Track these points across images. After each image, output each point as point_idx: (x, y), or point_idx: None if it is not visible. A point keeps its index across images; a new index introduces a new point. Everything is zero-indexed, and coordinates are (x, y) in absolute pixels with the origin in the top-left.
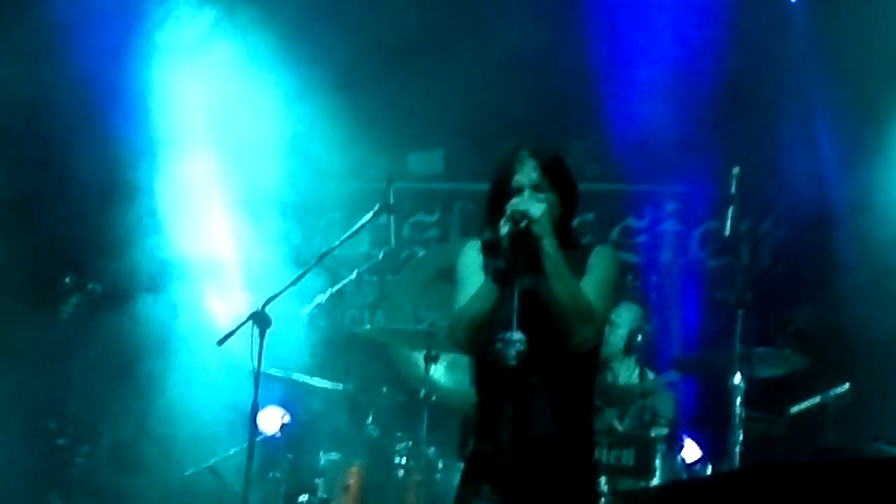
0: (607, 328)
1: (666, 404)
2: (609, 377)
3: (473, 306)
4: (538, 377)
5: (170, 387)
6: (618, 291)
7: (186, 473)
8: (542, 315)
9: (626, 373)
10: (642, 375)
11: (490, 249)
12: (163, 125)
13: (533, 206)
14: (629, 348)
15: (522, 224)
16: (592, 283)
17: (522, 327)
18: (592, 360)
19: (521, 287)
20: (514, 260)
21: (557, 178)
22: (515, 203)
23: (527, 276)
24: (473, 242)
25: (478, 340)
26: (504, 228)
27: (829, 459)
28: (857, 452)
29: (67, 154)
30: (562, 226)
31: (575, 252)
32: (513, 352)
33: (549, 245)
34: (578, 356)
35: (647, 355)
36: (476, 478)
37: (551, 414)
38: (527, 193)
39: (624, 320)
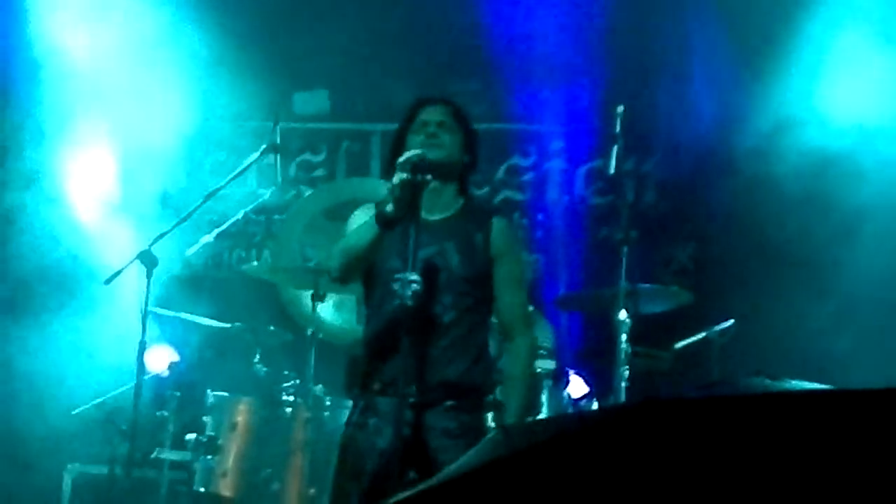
0: None
1: (544, 335)
2: None
3: (350, 239)
4: (433, 317)
5: (57, 325)
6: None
7: (74, 412)
8: (437, 259)
9: None
10: None
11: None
12: (43, 58)
13: (430, 151)
14: None
15: (421, 177)
16: (515, 294)
17: (419, 270)
18: (484, 303)
19: (416, 233)
20: (401, 209)
21: (463, 123)
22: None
23: (424, 221)
24: (368, 208)
25: (348, 273)
26: (399, 177)
27: (716, 395)
28: (740, 388)
29: None
30: (463, 173)
31: (473, 207)
32: (409, 291)
33: None
34: (473, 300)
35: (532, 291)
36: (365, 410)
37: (444, 349)
38: (431, 128)
39: None
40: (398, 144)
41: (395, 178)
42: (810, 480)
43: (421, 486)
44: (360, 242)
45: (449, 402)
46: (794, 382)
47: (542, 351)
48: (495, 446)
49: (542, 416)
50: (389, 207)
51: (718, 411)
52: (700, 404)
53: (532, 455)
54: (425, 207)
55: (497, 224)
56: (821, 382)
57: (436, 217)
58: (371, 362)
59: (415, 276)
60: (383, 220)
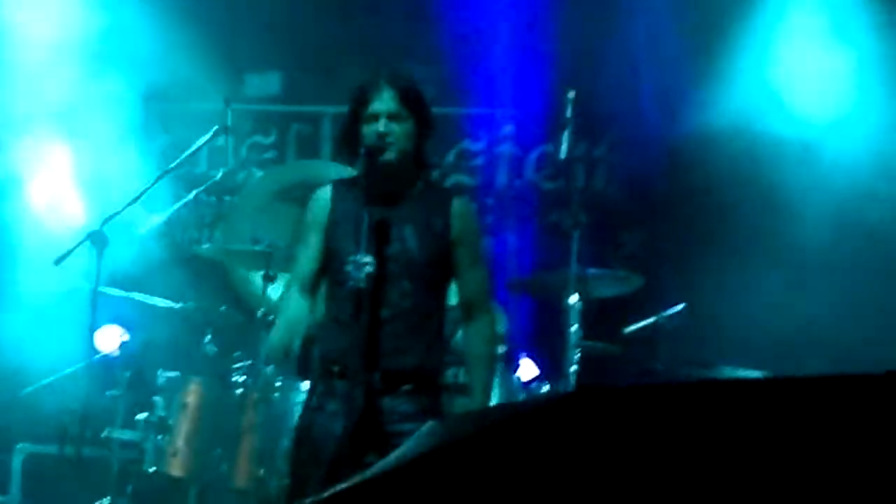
0: None
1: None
2: None
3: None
4: (388, 300)
5: (4, 306)
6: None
7: (23, 392)
8: (393, 242)
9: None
10: None
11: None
12: None
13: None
14: None
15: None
16: (477, 272)
17: (373, 252)
18: (442, 287)
19: (371, 214)
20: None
21: (414, 106)
22: None
23: (380, 205)
24: (323, 190)
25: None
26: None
27: (650, 384)
28: (673, 376)
29: None
30: (417, 151)
31: (431, 189)
32: (362, 274)
33: None
34: (432, 284)
35: None
36: (323, 394)
37: (401, 334)
38: (382, 123)
39: None
40: (351, 134)
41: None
42: (742, 470)
43: (354, 479)
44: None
45: (407, 387)
46: (727, 370)
47: None
48: (430, 437)
49: (493, 399)
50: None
51: (652, 399)
52: (633, 392)
53: (466, 445)
54: (382, 191)
55: (457, 205)
56: (775, 362)
57: (393, 200)
58: (328, 345)
59: (368, 258)
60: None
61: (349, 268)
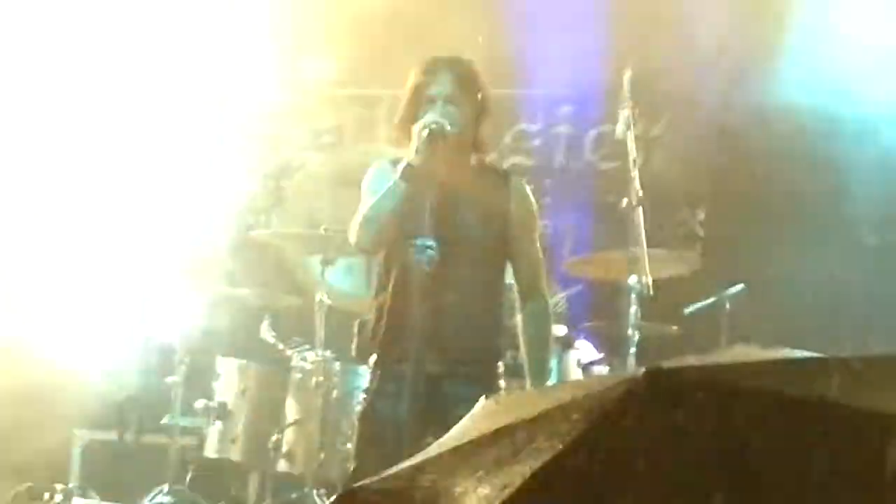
0: None
1: (554, 300)
2: None
3: (376, 206)
4: (450, 283)
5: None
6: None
7: (82, 379)
8: (454, 225)
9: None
10: None
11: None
12: None
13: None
14: None
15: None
16: (533, 253)
17: (434, 235)
18: (501, 269)
19: (432, 199)
20: (426, 158)
21: (471, 88)
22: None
23: (439, 188)
24: (381, 162)
25: (379, 240)
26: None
27: (718, 363)
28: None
29: None
30: (475, 134)
31: (489, 172)
32: (425, 257)
33: None
34: (492, 266)
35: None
36: (382, 379)
37: (462, 317)
38: (440, 106)
39: None
40: (409, 117)
41: (419, 128)
42: (805, 451)
43: (413, 458)
44: (385, 205)
45: (467, 370)
46: (786, 351)
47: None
48: (489, 414)
49: (551, 382)
50: (415, 158)
51: (720, 379)
52: (702, 372)
53: (528, 424)
54: (442, 174)
55: (515, 187)
56: (834, 341)
57: (453, 184)
58: (388, 329)
59: (431, 242)
60: (410, 172)
61: (410, 251)
